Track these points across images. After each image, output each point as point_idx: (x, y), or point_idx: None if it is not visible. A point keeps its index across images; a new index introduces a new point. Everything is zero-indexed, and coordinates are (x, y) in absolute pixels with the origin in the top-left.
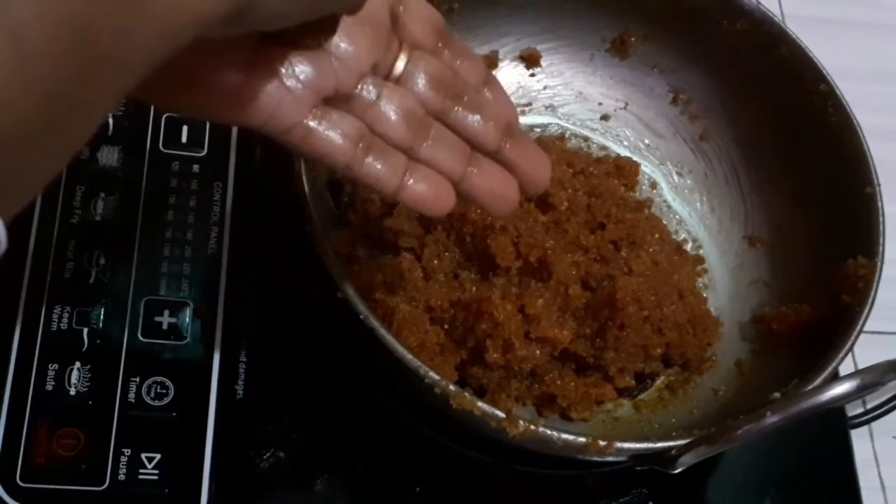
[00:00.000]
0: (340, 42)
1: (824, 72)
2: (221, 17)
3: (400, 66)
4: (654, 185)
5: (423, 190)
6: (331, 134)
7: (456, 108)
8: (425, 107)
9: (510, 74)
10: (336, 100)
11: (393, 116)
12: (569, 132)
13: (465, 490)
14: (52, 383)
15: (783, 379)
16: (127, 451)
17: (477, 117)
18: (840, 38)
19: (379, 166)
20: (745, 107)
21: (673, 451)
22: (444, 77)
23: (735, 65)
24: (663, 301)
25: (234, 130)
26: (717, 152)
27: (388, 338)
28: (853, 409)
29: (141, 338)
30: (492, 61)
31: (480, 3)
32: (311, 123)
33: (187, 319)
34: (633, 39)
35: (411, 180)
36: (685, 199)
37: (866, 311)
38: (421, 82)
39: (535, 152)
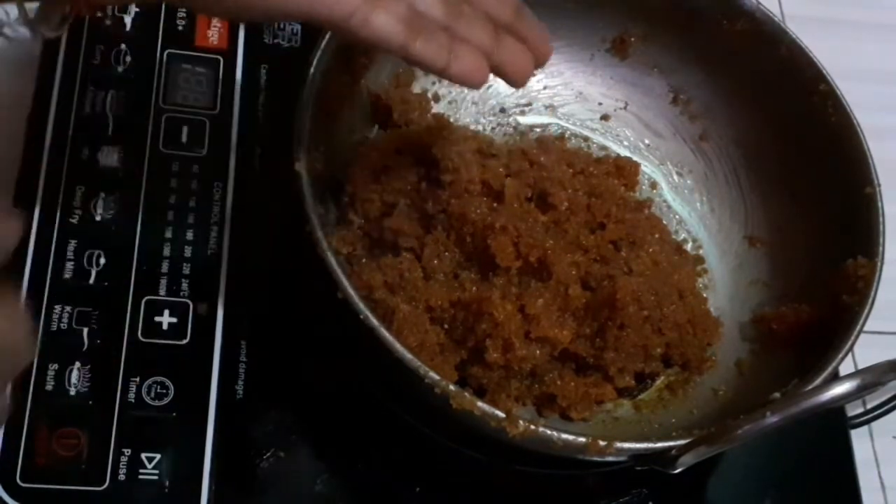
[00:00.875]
0: None
1: (824, 72)
2: None
3: None
4: (654, 185)
5: (467, 65)
6: (386, 17)
7: None
8: None
9: None
10: None
11: None
12: (569, 132)
13: (465, 490)
14: (52, 383)
15: (783, 379)
16: (127, 451)
17: None
18: (840, 38)
19: (430, 46)
20: (745, 107)
21: (673, 451)
22: None
23: (735, 65)
24: (663, 301)
25: (234, 131)
26: (717, 152)
27: (389, 338)
28: (853, 409)
29: (141, 338)
30: None
31: None
32: (368, 9)
33: (187, 319)
34: (633, 39)
35: (455, 57)
36: (685, 199)
37: (866, 311)
38: None
39: (539, 27)
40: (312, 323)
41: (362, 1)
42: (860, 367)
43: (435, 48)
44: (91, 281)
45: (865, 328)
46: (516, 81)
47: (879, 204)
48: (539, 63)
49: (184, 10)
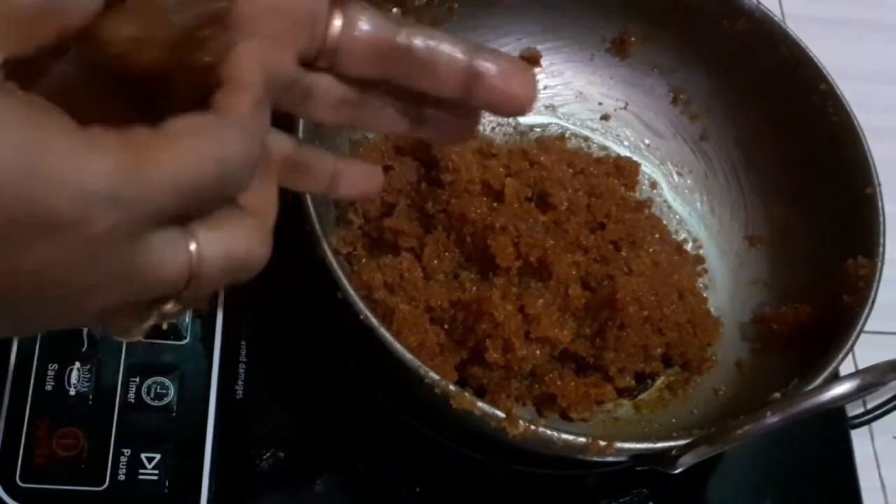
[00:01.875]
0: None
1: (824, 72)
2: None
3: (337, 25)
4: (654, 184)
5: (351, 192)
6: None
7: (400, 72)
8: (368, 73)
9: None
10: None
11: (326, 110)
12: (569, 132)
13: (465, 490)
14: (52, 383)
15: (783, 379)
16: (127, 451)
17: (428, 77)
18: (840, 38)
19: (303, 183)
20: (745, 107)
21: (673, 451)
22: (381, 44)
23: (735, 65)
24: (663, 301)
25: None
26: (717, 152)
27: (388, 338)
28: (853, 409)
29: (141, 337)
30: None
31: (480, 2)
32: None
33: (187, 319)
34: (633, 39)
35: (339, 184)
36: (685, 199)
37: (866, 311)
38: (357, 52)
39: (508, 83)
40: (312, 323)
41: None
42: (860, 367)
43: (309, 184)
44: None
45: (865, 328)
46: (449, 145)
47: (879, 204)
48: (514, 115)
49: None
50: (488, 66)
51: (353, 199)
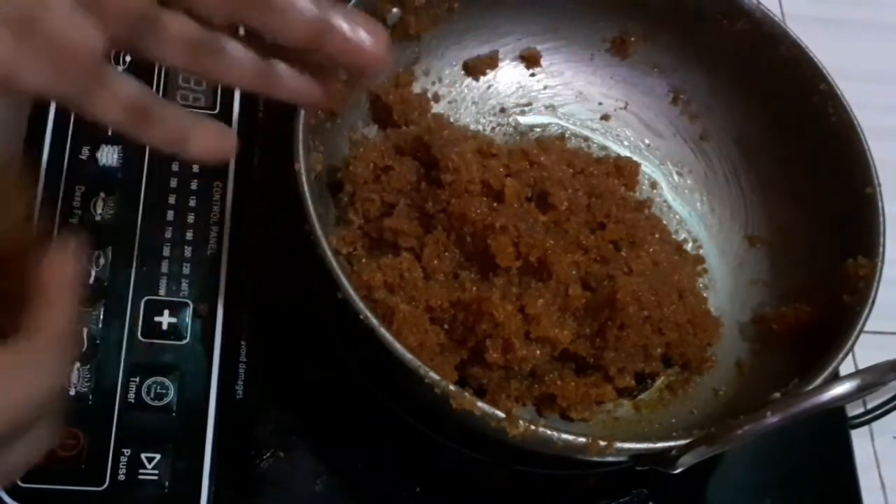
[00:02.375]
0: None
1: (824, 72)
2: None
3: None
4: (654, 184)
5: (202, 153)
6: (106, 106)
7: (252, 15)
8: (220, 12)
9: (510, 74)
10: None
11: (177, 52)
12: (569, 132)
13: (465, 490)
14: None
15: (783, 379)
16: (127, 451)
17: (279, 22)
18: (840, 38)
19: (157, 133)
20: (745, 106)
21: (673, 451)
22: None
23: (735, 65)
24: (663, 301)
25: (234, 131)
26: (717, 152)
27: (388, 338)
28: (853, 409)
29: (141, 338)
30: (492, 61)
31: (480, 2)
32: (93, 89)
33: (187, 319)
34: (633, 39)
35: (189, 143)
36: (685, 199)
37: (866, 311)
38: None
39: (357, 33)
40: (312, 323)
41: (85, 79)
42: (860, 367)
43: (162, 134)
44: (91, 281)
45: (865, 328)
46: (303, 107)
47: (880, 204)
48: (365, 72)
49: None
50: (338, 18)
51: (203, 161)
